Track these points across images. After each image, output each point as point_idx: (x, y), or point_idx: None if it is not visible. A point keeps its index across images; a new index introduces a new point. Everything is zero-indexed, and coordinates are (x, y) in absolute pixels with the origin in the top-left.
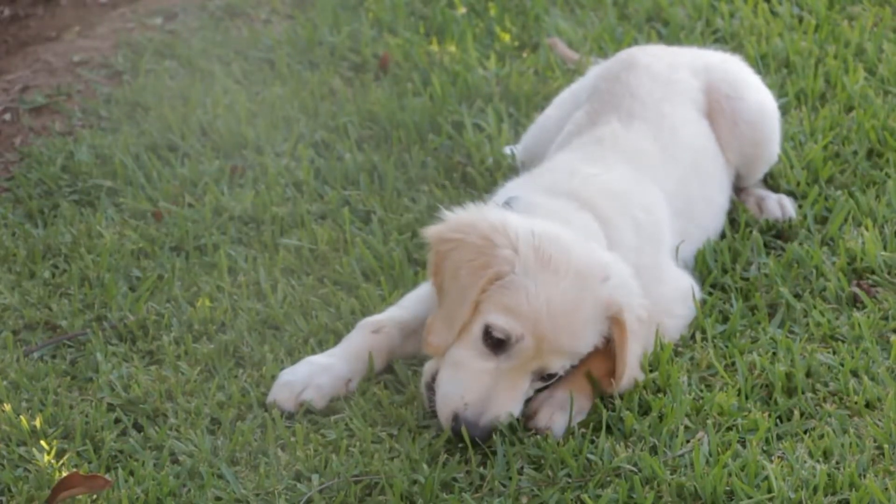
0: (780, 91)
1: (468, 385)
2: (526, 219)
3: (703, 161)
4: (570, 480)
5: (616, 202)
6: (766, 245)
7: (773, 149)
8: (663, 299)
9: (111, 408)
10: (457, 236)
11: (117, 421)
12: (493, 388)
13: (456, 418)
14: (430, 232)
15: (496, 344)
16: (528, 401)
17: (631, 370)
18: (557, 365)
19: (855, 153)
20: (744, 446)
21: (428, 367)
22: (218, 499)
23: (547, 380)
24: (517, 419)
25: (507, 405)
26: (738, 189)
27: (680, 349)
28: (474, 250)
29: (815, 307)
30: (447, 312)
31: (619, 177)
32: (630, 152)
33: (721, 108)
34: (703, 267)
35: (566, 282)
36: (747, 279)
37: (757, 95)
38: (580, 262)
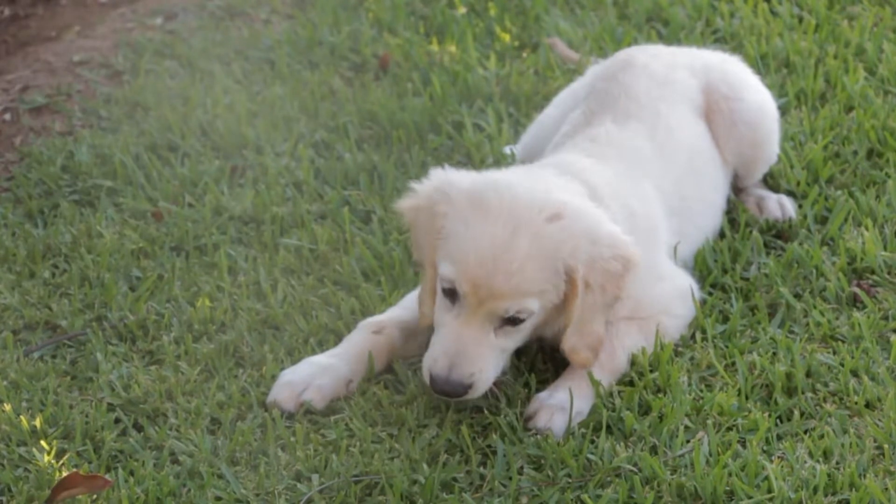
0: (780, 91)
1: (437, 342)
2: (480, 174)
3: (698, 161)
4: (570, 480)
5: (608, 188)
6: (766, 245)
7: (772, 149)
8: (662, 298)
9: (111, 408)
10: (413, 204)
11: (117, 421)
12: (458, 342)
13: (430, 376)
14: (399, 206)
15: (450, 294)
16: (528, 402)
17: (583, 330)
18: (505, 307)
19: (855, 153)
20: (744, 446)
21: None
22: (218, 499)
23: (515, 324)
24: (517, 417)
25: (478, 362)
26: (738, 189)
27: (680, 349)
28: (425, 213)
29: (815, 307)
30: (425, 279)
31: (613, 170)
32: (624, 150)
33: (720, 109)
34: (703, 267)
35: (498, 222)
36: (747, 279)
37: (756, 96)
38: (519, 202)
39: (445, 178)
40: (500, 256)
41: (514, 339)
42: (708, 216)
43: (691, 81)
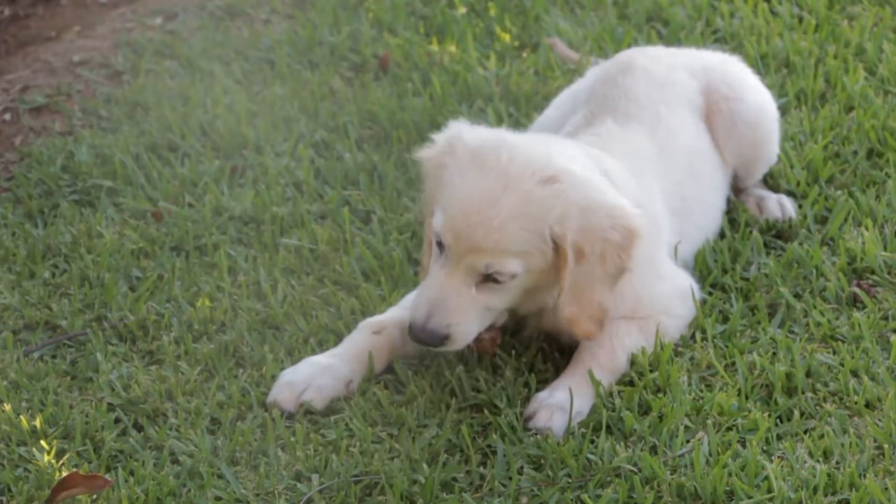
0: (780, 91)
1: (420, 290)
2: (492, 131)
3: (699, 163)
4: (570, 480)
5: (619, 176)
6: (766, 245)
7: (772, 149)
8: (662, 297)
9: (111, 408)
10: (427, 154)
11: (117, 421)
12: (438, 292)
13: (410, 326)
14: (418, 156)
15: (439, 245)
16: (528, 401)
17: (582, 299)
18: (484, 263)
19: (855, 153)
20: (744, 446)
21: None
22: (218, 499)
23: (497, 282)
24: (517, 417)
25: (457, 314)
26: (738, 189)
27: (680, 349)
28: (434, 164)
29: (815, 307)
30: (426, 232)
31: (616, 166)
32: (625, 149)
33: (720, 109)
34: (703, 267)
35: (489, 177)
36: (747, 279)
37: (756, 96)
38: (516, 161)
39: (457, 132)
40: (484, 211)
41: (499, 297)
42: (708, 217)
43: (691, 83)
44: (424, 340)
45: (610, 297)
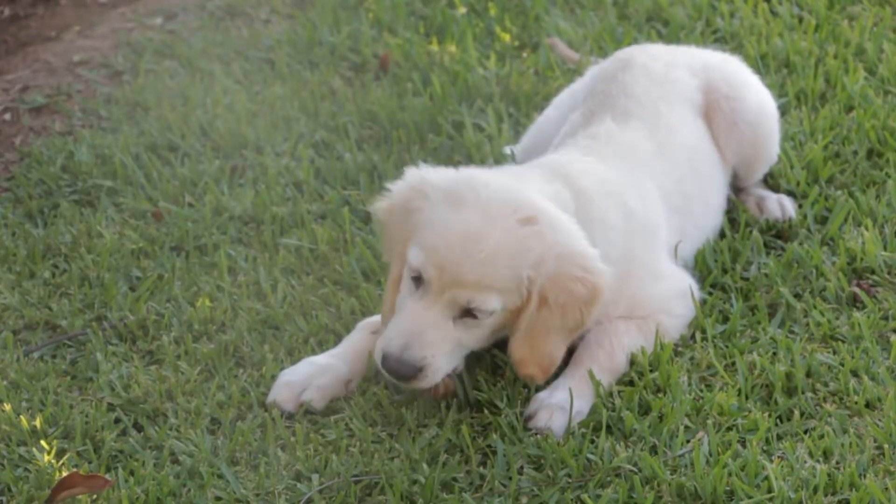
0: (780, 91)
1: (394, 323)
2: (458, 171)
3: (698, 161)
4: (570, 480)
5: (602, 186)
6: (766, 245)
7: (772, 149)
8: (661, 297)
9: (111, 408)
10: (387, 205)
11: (117, 421)
12: (415, 323)
13: (384, 357)
14: (374, 209)
15: (416, 281)
16: (528, 401)
17: (534, 345)
18: (466, 298)
19: (855, 153)
20: (744, 446)
21: None
22: (218, 499)
23: (475, 317)
24: (517, 417)
25: (433, 347)
26: (738, 189)
27: (680, 349)
28: (400, 212)
29: (815, 307)
30: (392, 273)
31: (612, 166)
32: (624, 148)
33: (720, 108)
34: (703, 267)
35: (471, 214)
36: (747, 279)
37: (756, 95)
38: (495, 198)
39: (421, 177)
40: (469, 245)
41: (473, 334)
42: (708, 216)
43: (691, 81)
44: (398, 371)
45: (561, 350)
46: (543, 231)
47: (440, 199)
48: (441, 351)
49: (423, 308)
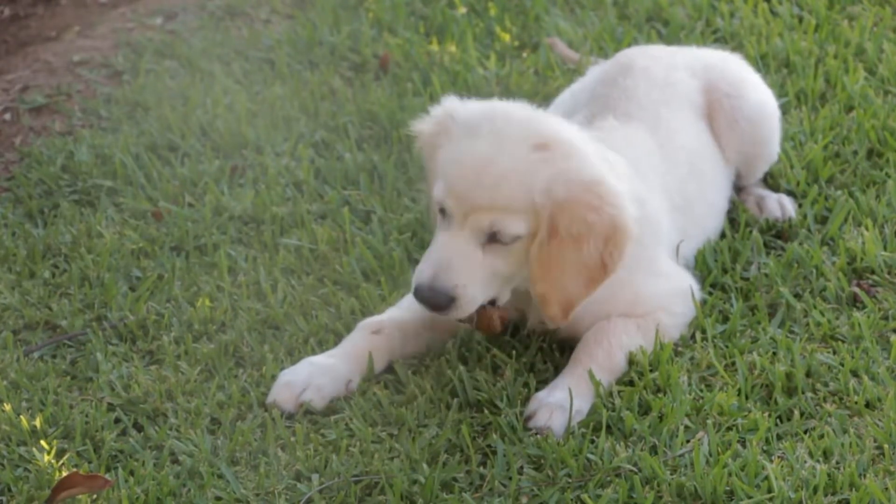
0: (780, 91)
1: (425, 255)
2: (485, 103)
3: (700, 163)
4: (570, 480)
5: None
6: (766, 245)
7: (773, 148)
8: (660, 295)
9: (111, 408)
10: (420, 129)
11: (117, 421)
12: (444, 252)
13: (417, 288)
14: (414, 130)
15: (442, 213)
16: (528, 401)
17: (552, 279)
18: (487, 222)
19: (855, 153)
20: (744, 446)
21: None
22: (218, 499)
23: (502, 243)
24: (517, 417)
25: (465, 274)
26: (738, 188)
27: (680, 349)
28: (428, 141)
29: (815, 307)
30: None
31: (619, 160)
32: (627, 143)
33: (721, 107)
34: (703, 267)
35: (485, 140)
36: (747, 279)
37: (757, 94)
38: (510, 126)
39: (450, 108)
40: (482, 169)
41: (505, 261)
42: (710, 217)
43: (691, 82)
44: (431, 300)
45: (582, 292)
46: (555, 157)
47: (460, 131)
48: (473, 279)
49: (449, 237)
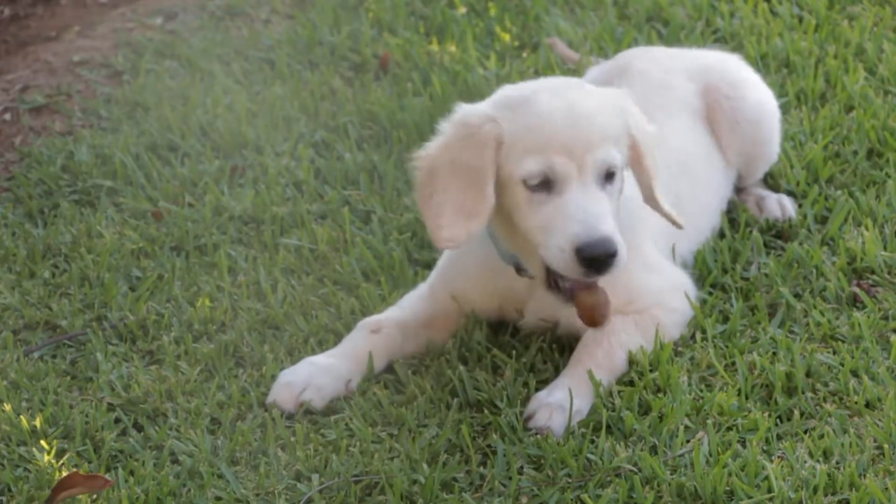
0: (780, 91)
1: (561, 223)
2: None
3: (693, 164)
4: (570, 480)
5: None
6: (766, 245)
7: (773, 148)
8: (654, 289)
9: (111, 408)
10: (440, 141)
11: (117, 421)
12: (593, 207)
13: (579, 253)
14: (417, 161)
15: (544, 186)
16: (528, 401)
17: (657, 184)
18: (602, 156)
19: (855, 153)
20: (744, 446)
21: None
22: (218, 499)
23: (612, 181)
24: (517, 417)
25: (610, 220)
26: (738, 189)
27: (680, 349)
28: (462, 140)
29: (815, 307)
30: (455, 206)
31: None
32: None
33: (721, 108)
34: (703, 267)
35: (559, 96)
36: (747, 279)
37: (757, 94)
38: (551, 85)
39: (475, 110)
40: (576, 111)
41: (615, 201)
42: (702, 216)
43: (689, 86)
44: (607, 251)
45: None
46: (607, 99)
47: (524, 106)
48: (611, 221)
49: (581, 191)
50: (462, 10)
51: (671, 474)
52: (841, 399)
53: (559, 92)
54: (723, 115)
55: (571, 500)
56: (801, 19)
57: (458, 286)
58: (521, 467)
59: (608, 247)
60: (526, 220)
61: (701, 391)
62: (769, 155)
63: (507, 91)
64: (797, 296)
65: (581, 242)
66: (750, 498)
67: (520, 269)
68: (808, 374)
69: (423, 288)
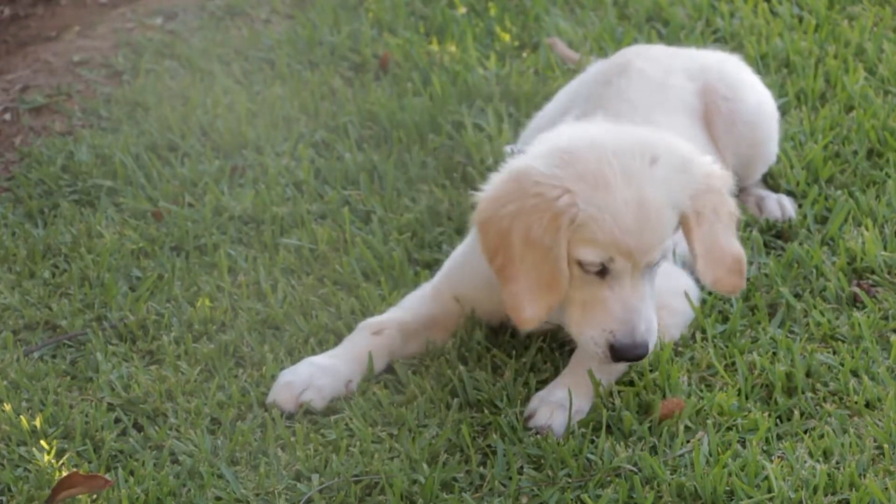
0: (780, 91)
1: (602, 317)
2: (543, 151)
3: None
4: (570, 480)
5: None
6: (766, 245)
7: (771, 149)
8: (661, 293)
9: (111, 408)
10: (509, 208)
11: (117, 421)
12: (631, 303)
13: (612, 349)
14: (479, 216)
15: (599, 272)
16: (528, 401)
17: (715, 256)
18: (657, 257)
19: (855, 153)
20: (744, 446)
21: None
22: (218, 499)
23: (654, 268)
24: (517, 417)
25: (649, 317)
26: (738, 189)
27: (680, 349)
28: (535, 210)
29: (815, 307)
30: (531, 280)
31: None
32: None
33: (718, 110)
34: None
35: (622, 191)
36: (747, 279)
37: (755, 96)
38: (623, 159)
39: (534, 169)
40: (644, 208)
41: (655, 280)
42: None
43: (687, 85)
44: (640, 354)
45: (738, 242)
46: (667, 161)
47: (586, 189)
48: (652, 315)
49: (631, 289)
50: (462, 10)
51: (671, 474)
52: (841, 399)
53: (629, 172)
54: (720, 116)
55: (571, 500)
56: (801, 19)
57: (463, 289)
58: (521, 467)
59: (640, 351)
60: (571, 290)
61: (701, 391)
62: (766, 156)
63: (576, 147)
64: (797, 296)
65: (616, 342)
66: (750, 498)
67: None
68: (808, 374)
69: (426, 288)
